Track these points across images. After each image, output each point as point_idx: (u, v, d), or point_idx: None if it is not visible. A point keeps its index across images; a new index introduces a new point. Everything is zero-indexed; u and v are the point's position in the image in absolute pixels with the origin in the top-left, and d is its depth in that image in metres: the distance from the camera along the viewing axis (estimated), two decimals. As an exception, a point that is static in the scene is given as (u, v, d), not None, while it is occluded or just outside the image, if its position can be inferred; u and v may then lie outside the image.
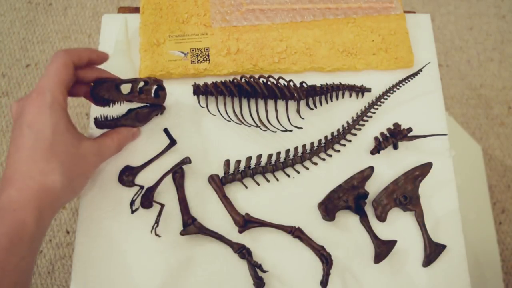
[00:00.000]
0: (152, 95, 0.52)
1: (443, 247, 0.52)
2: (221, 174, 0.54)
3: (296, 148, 0.55)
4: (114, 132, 0.50)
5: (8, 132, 1.26)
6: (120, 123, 0.51)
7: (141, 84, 0.51)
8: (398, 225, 0.53)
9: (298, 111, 0.55)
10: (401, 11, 0.61)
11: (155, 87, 0.52)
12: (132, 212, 0.51)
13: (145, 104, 0.52)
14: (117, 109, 0.52)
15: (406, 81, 0.58)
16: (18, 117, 0.44)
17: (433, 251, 0.52)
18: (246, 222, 0.51)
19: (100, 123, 0.50)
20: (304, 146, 0.55)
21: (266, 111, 0.55)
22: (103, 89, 0.48)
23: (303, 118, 0.56)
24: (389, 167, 0.55)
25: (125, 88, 0.50)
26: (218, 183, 0.53)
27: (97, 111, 0.53)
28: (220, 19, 0.59)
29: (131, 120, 0.52)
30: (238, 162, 0.53)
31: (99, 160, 0.48)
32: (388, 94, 0.57)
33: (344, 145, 0.56)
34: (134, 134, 0.53)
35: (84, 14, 1.42)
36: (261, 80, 0.55)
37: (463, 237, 0.53)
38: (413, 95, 0.59)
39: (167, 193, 0.53)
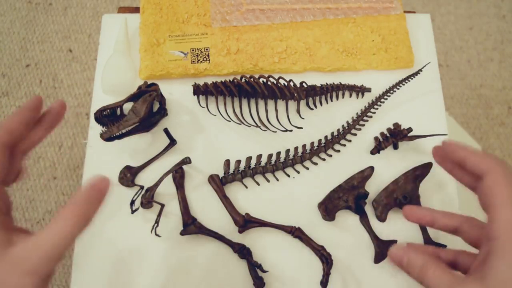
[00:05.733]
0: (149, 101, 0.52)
1: (443, 247, 0.52)
2: (221, 174, 0.54)
3: (296, 148, 0.55)
4: (65, 208, 0.33)
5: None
6: (123, 125, 0.51)
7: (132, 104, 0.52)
8: (398, 225, 0.53)
9: (298, 111, 0.55)
10: (401, 11, 0.61)
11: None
12: (132, 212, 0.51)
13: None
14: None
15: (406, 81, 0.58)
16: None
17: (433, 251, 0.52)
18: (246, 222, 0.51)
19: (110, 138, 0.50)
20: (304, 146, 0.55)
21: (266, 111, 0.55)
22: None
23: (303, 118, 0.56)
24: (389, 167, 0.55)
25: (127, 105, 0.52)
26: (218, 183, 0.53)
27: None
28: (220, 19, 0.59)
29: (132, 118, 0.51)
30: (238, 162, 0.53)
31: (52, 252, 0.31)
32: (388, 94, 0.57)
33: (344, 145, 0.56)
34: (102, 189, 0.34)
35: (84, 14, 1.42)
36: (261, 80, 0.55)
37: (463, 237, 0.53)
38: (413, 95, 0.59)
39: (167, 193, 0.53)
